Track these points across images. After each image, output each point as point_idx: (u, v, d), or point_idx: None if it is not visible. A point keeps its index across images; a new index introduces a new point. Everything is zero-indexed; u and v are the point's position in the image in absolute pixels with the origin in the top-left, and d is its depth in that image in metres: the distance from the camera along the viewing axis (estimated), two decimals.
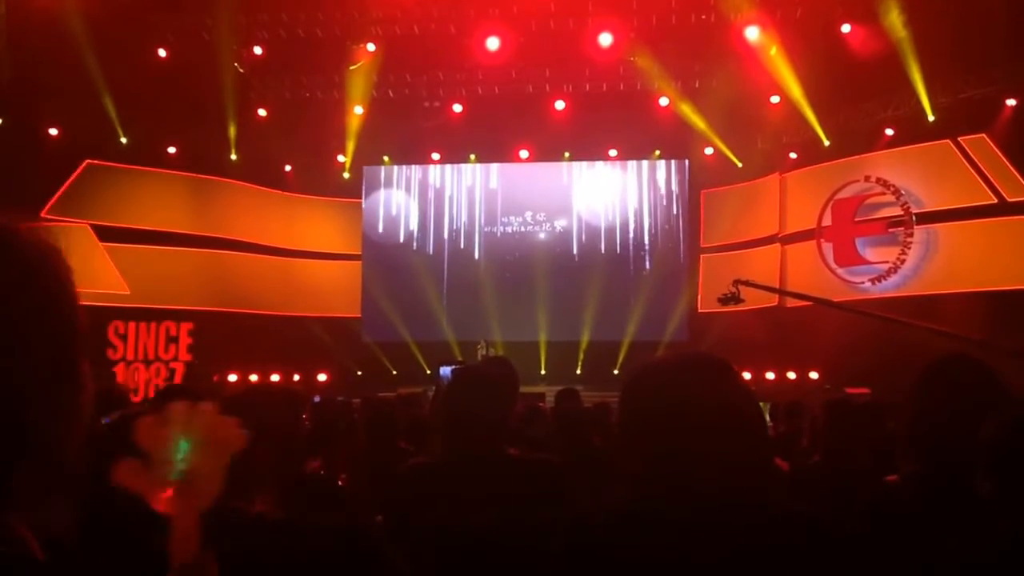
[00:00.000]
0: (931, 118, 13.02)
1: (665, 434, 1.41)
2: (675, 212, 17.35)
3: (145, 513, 1.04)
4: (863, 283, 13.74)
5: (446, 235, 17.70)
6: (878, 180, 13.75)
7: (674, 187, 17.42)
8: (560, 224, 17.51)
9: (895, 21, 11.79)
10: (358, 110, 15.04)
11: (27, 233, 0.79)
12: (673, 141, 16.31)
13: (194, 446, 1.07)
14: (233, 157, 15.46)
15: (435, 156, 17.47)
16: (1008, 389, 2.02)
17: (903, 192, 13.47)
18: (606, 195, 17.47)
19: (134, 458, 1.05)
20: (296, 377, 15.32)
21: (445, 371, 11.54)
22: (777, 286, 14.83)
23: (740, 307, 15.41)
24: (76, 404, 0.77)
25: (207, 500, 1.09)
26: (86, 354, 0.80)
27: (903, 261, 13.42)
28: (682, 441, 1.38)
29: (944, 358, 2.09)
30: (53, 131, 13.50)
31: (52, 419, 0.74)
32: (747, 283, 10.09)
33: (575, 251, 17.31)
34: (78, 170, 13.98)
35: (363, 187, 17.75)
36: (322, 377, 15.72)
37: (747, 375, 14.36)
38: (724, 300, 9.71)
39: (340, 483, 3.54)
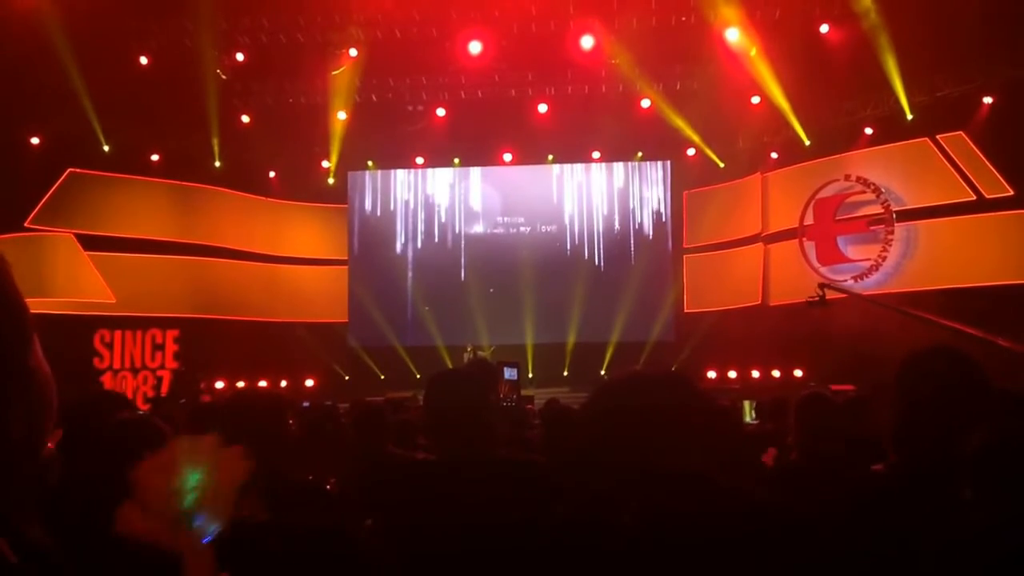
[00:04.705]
0: (909, 116, 13.16)
1: (626, 440, 1.48)
2: (658, 213, 17.43)
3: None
4: (845, 281, 13.85)
5: (431, 239, 17.71)
6: (858, 179, 13.89)
7: (657, 188, 17.51)
8: (544, 226, 17.55)
9: (867, 6, 11.83)
10: (341, 115, 15.02)
11: None
12: (655, 142, 16.39)
13: (200, 482, 1.04)
14: (217, 164, 15.43)
15: (419, 160, 17.49)
16: (993, 382, 2.04)
17: (883, 190, 13.61)
18: (590, 197, 17.54)
19: (133, 504, 1.01)
20: (283, 383, 15.29)
21: None
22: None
23: (725, 306, 15.65)
24: (27, 400, 0.77)
25: (217, 531, 1.06)
26: (32, 347, 0.80)
27: (884, 258, 13.56)
28: (641, 444, 1.45)
29: (925, 349, 2.09)
30: (35, 140, 13.41)
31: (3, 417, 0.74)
32: (831, 286, 10.39)
33: (560, 253, 17.35)
34: (61, 179, 13.90)
35: (348, 192, 17.74)
36: (309, 382, 15.70)
37: (732, 373, 14.49)
38: (811, 304, 10.10)
39: (328, 488, 3.56)
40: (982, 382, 2.01)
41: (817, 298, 10.13)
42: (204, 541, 1.05)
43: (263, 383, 14.44)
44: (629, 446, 1.47)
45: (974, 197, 12.56)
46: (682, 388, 1.53)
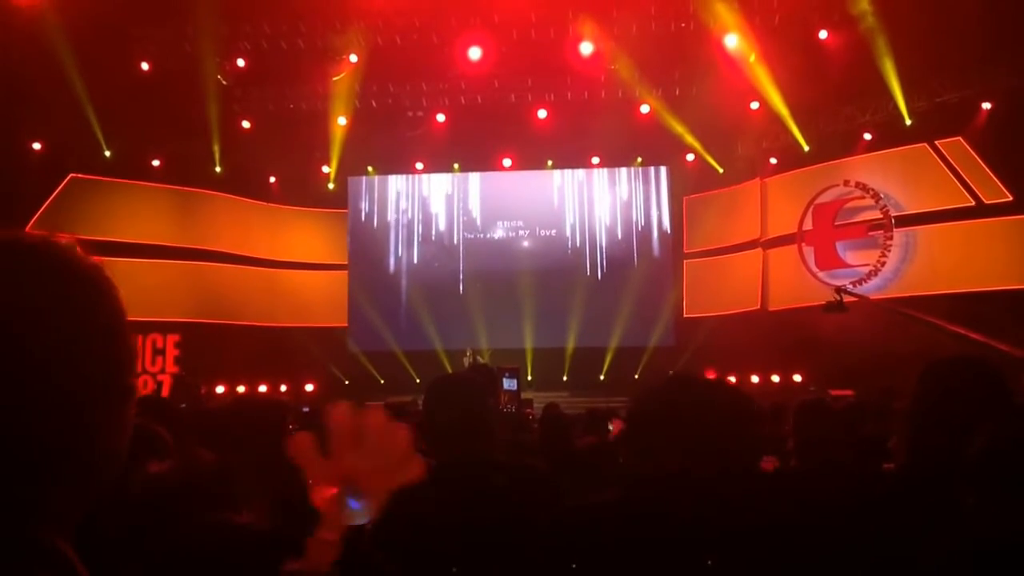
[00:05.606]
0: (908, 122, 13.19)
1: (667, 434, 1.53)
2: (658, 218, 17.46)
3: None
4: (844, 286, 13.88)
5: (431, 243, 17.74)
6: (857, 184, 13.91)
7: (656, 193, 17.53)
8: (544, 231, 17.57)
9: (866, 11, 11.85)
10: (342, 121, 15.05)
11: (72, 249, 0.81)
12: (655, 148, 16.40)
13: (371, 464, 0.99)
14: (217, 169, 15.45)
15: (419, 166, 17.52)
16: (1014, 395, 2.04)
17: (882, 196, 13.64)
18: (590, 202, 17.57)
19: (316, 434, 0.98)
20: (283, 388, 15.30)
21: None
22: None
23: (724, 311, 15.66)
24: (124, 418, 0.79)
25: (364, 517, 1.04)
26: (134, 367, 0.83)
27: (883, 264, 13.57)
28: (679, 439, 1.51)
29: (946, 359, 2.10)
30: (37, 145, 13.44)
31: (101, 433, 0.76)
32: (849, 291, 10.41)
33: (559, 258, 17.35)
34: (62, 184, 13.92)
35: (348, 197, 17.77)
36: (309, 387, 15.71)
37: (732, 378, 14.46)
38: (828, 308, 10.11)
39: None
40: (1005, 394, 2.01)
41: (836, 301, 10.18)
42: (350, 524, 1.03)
43: (263, 388, 14.45)
44: (668, 437, 1.52)
45: (973, 203, 12.59)
46: (715, 393, 1.58)
